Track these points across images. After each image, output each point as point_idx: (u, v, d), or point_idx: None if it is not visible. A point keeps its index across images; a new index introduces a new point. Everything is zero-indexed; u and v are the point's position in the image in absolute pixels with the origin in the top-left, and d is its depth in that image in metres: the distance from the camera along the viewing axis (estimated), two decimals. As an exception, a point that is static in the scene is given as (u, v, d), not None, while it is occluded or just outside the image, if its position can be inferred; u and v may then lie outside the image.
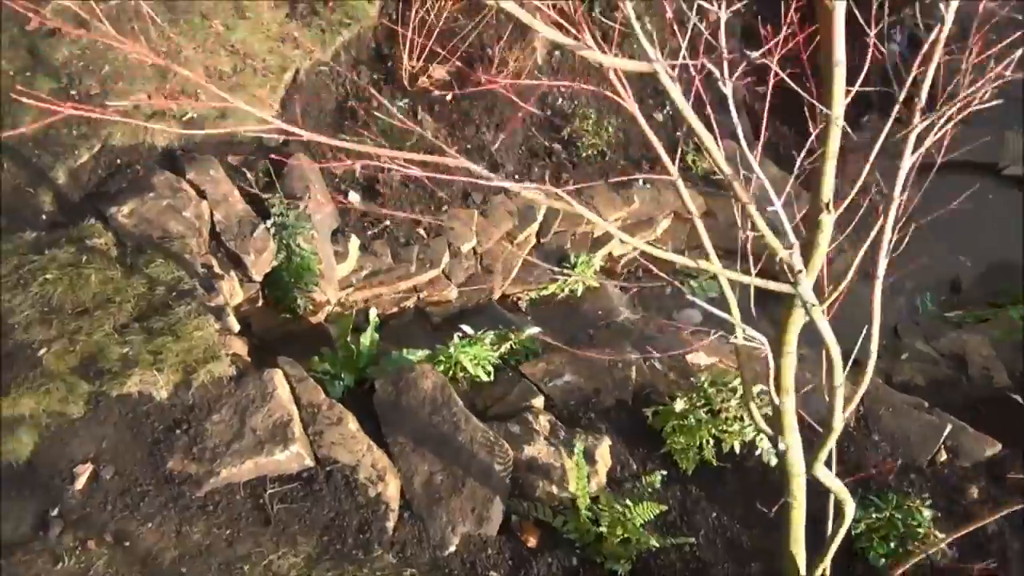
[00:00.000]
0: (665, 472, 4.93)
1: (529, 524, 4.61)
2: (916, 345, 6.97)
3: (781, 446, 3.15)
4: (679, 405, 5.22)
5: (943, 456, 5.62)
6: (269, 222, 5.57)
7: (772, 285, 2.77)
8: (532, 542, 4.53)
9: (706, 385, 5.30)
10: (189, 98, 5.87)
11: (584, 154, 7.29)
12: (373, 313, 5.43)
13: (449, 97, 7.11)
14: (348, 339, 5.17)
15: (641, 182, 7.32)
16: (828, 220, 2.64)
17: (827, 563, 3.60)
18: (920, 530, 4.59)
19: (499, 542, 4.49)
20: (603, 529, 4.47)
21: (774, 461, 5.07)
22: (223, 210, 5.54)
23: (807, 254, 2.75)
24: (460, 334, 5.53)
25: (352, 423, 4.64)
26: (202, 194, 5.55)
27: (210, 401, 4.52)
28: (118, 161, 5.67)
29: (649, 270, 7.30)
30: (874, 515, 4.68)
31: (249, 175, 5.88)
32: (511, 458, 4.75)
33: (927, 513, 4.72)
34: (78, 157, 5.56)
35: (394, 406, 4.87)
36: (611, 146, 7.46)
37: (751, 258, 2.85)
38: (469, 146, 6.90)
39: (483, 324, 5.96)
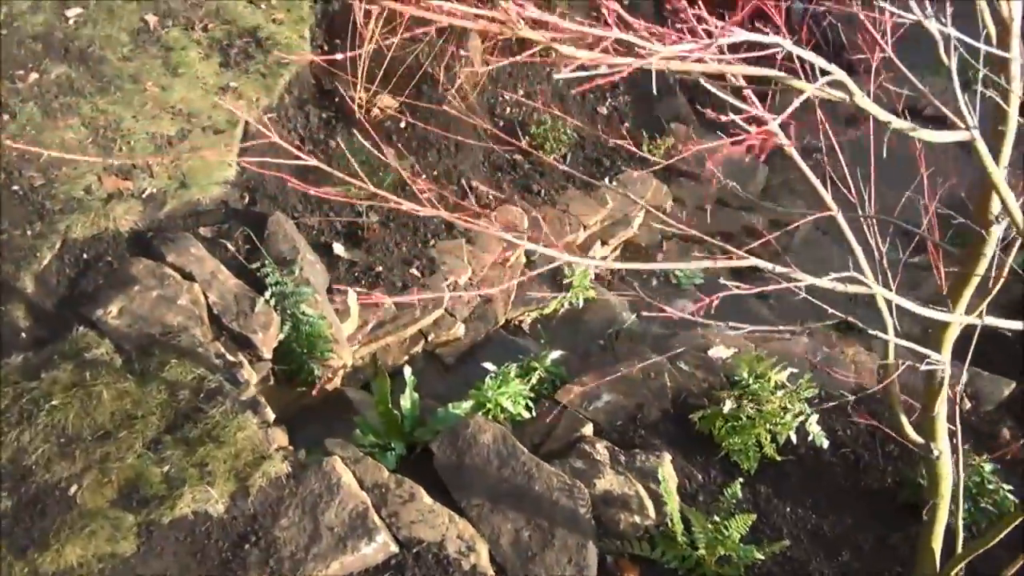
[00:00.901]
0: (741, 480, 4.90)
1: (625, 561, 4.49)
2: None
3: (935, 452, 3.13)
4: (728, 406, 5.20)
5: (967, 404, 5.83)
6: (267, 293, 5.19)
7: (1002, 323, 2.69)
8: (634, 580, 4.42)
9: (750, 380, 5.30)
10: (143, 171, 5.42)
11: (548, 160, 7.14)
12: (408, 372, 5.14)
13: (403, 125, 6.82)
14: (388, 406, 4.88)
15: (608, 180, 7.24)
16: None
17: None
18: (990, 486, 4.73)
19: (603, 587, 4.36)
20: (702, 551, 4.40)
21: (826, 444, 5.13)
22: (216, 290, 5.12)
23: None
24: (491, 374, 5.32)
25: (425, 496, 4.39)
26: (189, 276, 5.12)
27: (273, 505, 4.18)
28: (84, 256, 5.15)
29: (634, 270, 7.26)
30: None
31: (229, 245, 5.46)
32: (588, 496, 4.61)
33: (988, 467, 4.87)
34: (41, 260, 5.02)
35: (458, 468, 4.63)
36: (571, 147, 7.34)
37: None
38: (436, 172, 6.64)
39: (500, 356, 5.76)
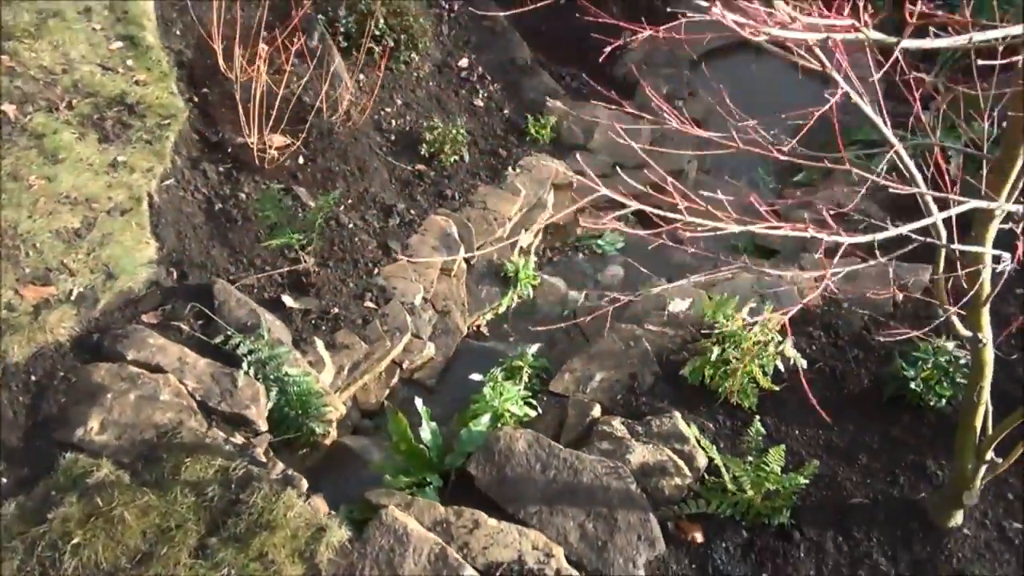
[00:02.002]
0: (744, 418, 5.16)
1: (684, 522, 4.65)
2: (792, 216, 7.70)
3: (982, 341, 3.46)
4: (715, 353, 5.45)
5: (899, 297, 6.39)
6: (244, 364, 4.92)
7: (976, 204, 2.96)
8: (699, 537, 4.58)
9: (724, 324, 5.56)
10: (61, 272, 5.00)
11: (450, 163, 7.12)
12: (419, 403, 5.03)
13: (301, 161, 6.58)
14: (411, 442, 4.77)
15: (512, 168, 7.31)
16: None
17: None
18: (960, 359, 5.23)
19: (674, 554, 4.50)
20: (750, 493, 4.62)
21: (804, 364, 5.49)
22: (190, 376, 4.80)
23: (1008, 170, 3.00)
24: (487, 384, 5.31)
25: (488, 519, 4.36)
26: (158, 369, 4.77)
27: (348, 573, 4.01)
28: (33, 378, 4.67)
29: (556, 245, 7.42)
30: (922, 368, 5.23)
31: (182, 326, 5.11)
32: (630, 473, 4.73)
33: (950, 345, 5.37)
34: (-14, 394, 4.51)
35: (502, 482, 4.62)
36: (468, 145, 7.35)
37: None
38: (351, 200, 6.47)
39: (479, 365, 5.75)
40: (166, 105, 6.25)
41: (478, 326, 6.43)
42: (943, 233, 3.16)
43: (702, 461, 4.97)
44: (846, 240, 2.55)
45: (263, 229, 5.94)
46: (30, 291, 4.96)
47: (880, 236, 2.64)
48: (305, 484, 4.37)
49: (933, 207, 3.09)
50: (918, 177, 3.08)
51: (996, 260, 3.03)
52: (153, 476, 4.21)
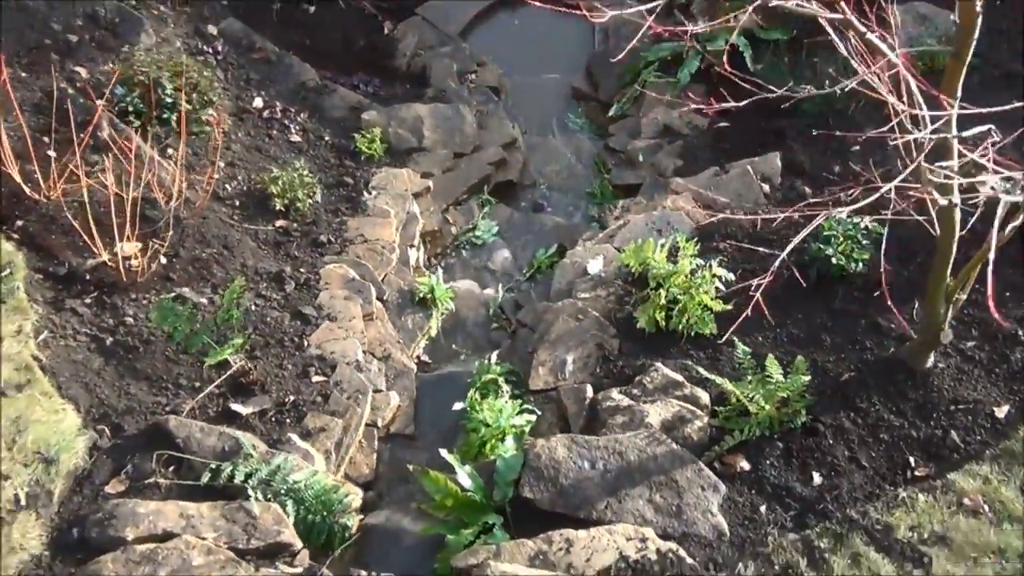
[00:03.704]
0: (711, 347, 5.50)
1: (727, 457, 4.91)
2: (629, 149, 8.10)
3: (954, 202, 3.92)
4: (662, 296, 5.71)
5: (766, 189, 7.00)
6: (249, 492, 4.51)
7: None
8: (744, 464, 4.87)
9: (653, 266, 5.83)
10: None
11: (307, 207, 6.77)
12: (445, 453, 4.85)
13: (165, 260, 5.98)
14: (457, 494, 4.63)
15: (366, 191, 7.08)
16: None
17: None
18: (860, 224, 5.85)
19: (734, 487, 4.76)
20: (768, 407, 4.96)
21: (732, 277, 5.88)
22: (206, 527, 4.34)
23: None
24: (481, 407, 5.24)
25: (576, 532, 4.36)
26: (168, 536, 4.26)
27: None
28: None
29: (438, 252, 7.34)
30: (836, 242, 5.80)
31: (158, 480, 4.58)
32: (660, 433, 4.90)
33: (843, 215, 5.97)
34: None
35: (562, 492, 4.62)
36: (319, 184, 7.01)
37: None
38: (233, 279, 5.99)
39: (447, 395, 5.67)
40: (-3, 254, 5.41)
41: (418, 357, 6.26)
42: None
43: (705, 398, 5.25)
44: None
45: (170, 348, 5.38)
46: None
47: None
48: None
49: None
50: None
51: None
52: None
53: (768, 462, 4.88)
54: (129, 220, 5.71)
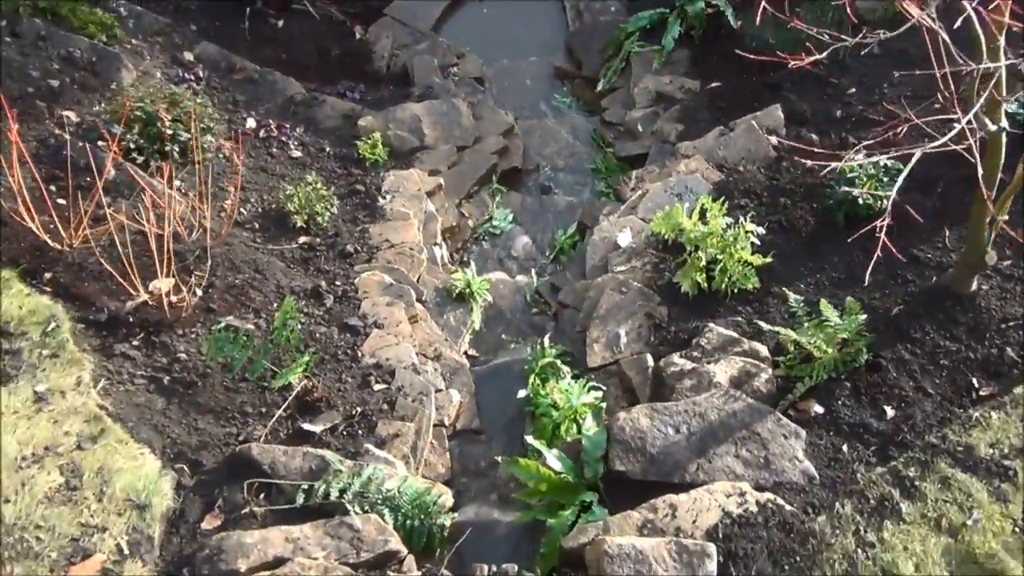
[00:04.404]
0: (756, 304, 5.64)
1: (800, 404, 5.03)
2: (627, 120, 8.18)
3: (1001, 128, 4.06)
4: (702, 258, 5.80)
5: (773, 141, 7.11)
6: (348, 507, 4.53)
7: None
8: (817, 408, 5.00)
9: (688, 232, 5.92)
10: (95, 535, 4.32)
11: (327, 220, 6.74)
12: (531, 439, 4.92)
13: (201, 293, 5.92)
14: (550, 477, 4.69)
15: (381, 197, 7.06)
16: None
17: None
18: (880, 163, 5.99)
19: (813, 431, 4.89)
20: (830, 351, 5.08)
21: (762, 230, 6.02)
22: (314, 547, 4.34)
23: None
24: (548, 393, 5.31)
25: (677, 496, 4.46)
26: (279, 561, 4.25)
27: (621, 618, 3.96)
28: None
29: (458, 247, 7.35)
30: (861, 183, 5.94)
31: (253, 508, 4.57)
32: (732, 390, 5.00)
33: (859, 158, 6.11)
34: None
35: (652, 460, 4.71)
36: (338, 194, 6.98)
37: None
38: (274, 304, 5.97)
39: (507, 384, 5.73)
40: (36, 309, 5.33)
41: (466, 352, 6.29)
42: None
43: (764, 351, 5.36)
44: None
45: (227, 378, 5.35)
46: (78, 570, 4.16)
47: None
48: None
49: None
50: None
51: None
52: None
53: (840, 403, 5.01)
54: (166, 257, 5.65)
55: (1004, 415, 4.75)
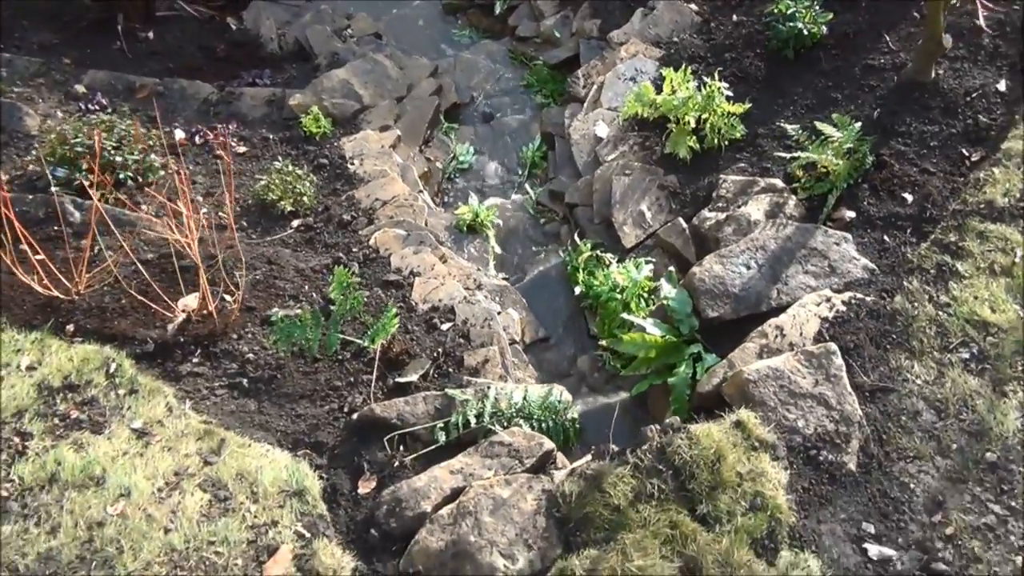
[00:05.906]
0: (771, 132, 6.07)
1: (835, 213, 5.52)
2: (542, 31, 8.37)
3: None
4: (691, 117, 6.16)
5: (695, 7, 7.50)
6: (490, 429, 4.68)
7: None
8: (849, 213, 5.50)
9: (669, 99, 6.27)
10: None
11: (310, 196, 6.68)
12: (628, 315, 5.15)
13: (230, 298, 5.80)
14: (652, 346, 4.98)
15: (350, 163, 7.04)
16: None
17: None
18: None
19: (858, 232, 5.38)
20: (841, 162, 5.57)
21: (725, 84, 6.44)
22: (478, 470, 4.48)
23: None
24: (613, 275, 5.56)
25: (781, 317, 4.84)
26: (459, 491, 4.38)
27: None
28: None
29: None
30: (801, 14, 6.43)
31: (402, 460, 4.65)
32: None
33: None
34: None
35: (737, 299, 5.08)
36: (312, 191, 6.90)
37: None
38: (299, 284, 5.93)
39: (552, 287, 5.93)
40: (88, 357, 5.10)
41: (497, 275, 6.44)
42: None
43: (779, 182, 5.81)
44: None
45: (300, 362, 5.32)
46: (273, 566, 4.15)
47: None
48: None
49: None
50: None
51: None
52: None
53: (865, 203, 5.53)
54: (199, 269, 5.51)
55: (1004, 168, 5.40)
